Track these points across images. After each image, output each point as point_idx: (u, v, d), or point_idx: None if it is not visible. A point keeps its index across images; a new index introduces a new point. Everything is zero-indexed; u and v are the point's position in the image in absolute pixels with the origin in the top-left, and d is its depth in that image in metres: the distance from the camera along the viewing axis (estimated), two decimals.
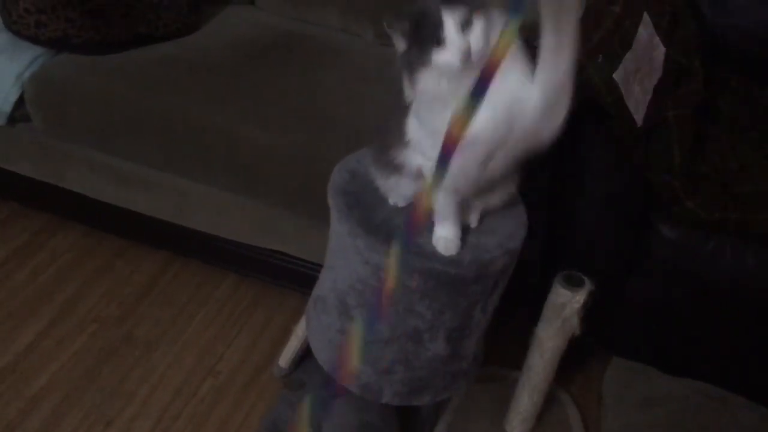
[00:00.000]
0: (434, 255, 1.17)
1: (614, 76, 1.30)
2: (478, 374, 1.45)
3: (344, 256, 1.25)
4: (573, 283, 1.38)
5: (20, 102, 1.73)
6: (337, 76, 1.81)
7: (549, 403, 1.63)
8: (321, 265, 1.47)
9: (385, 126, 1.19)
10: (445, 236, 1.18)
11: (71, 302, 1.81)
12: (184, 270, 1.93)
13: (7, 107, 1.73)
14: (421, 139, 1.10)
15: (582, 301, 1.38)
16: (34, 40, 1.72)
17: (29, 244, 1.95)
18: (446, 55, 0.97)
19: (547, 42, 0.93)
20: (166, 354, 1.72)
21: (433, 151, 0.90)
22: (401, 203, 1.25)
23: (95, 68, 1.73)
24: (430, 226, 1.19)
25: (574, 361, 1.66)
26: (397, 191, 1.23)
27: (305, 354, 1.64)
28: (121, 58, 1.77)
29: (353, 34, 2.01)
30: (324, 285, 1.35)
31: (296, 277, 1.78)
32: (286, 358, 1.64)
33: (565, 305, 1.39)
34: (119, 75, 1.72)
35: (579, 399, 1.72)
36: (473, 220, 1.24)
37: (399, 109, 1.12)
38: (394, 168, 1.18)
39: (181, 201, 1.76)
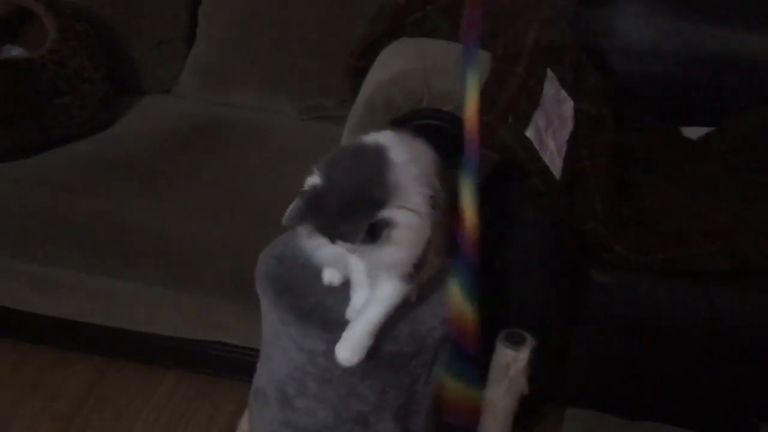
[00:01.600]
0: None
1: (526, 134, 1.32)
2: None
3: (279, 345, 1.22)
4: (515, 341, 1.37)
5: None
6: (261, 158, 1.80)
7: None
8: None
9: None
10: (358, 306, 1.16)
11: (3, 424, 1.71)
12: (121, 373, 1.85)
13: None
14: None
15: (526, 358, 1.38)
16: None
17: None
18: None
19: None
20: None
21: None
22: (336, 282, 1.23)
23: (9, 175, 1.69)
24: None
25: (529, 417, 1.64)
26: (335, 265, 1.21)
27: None
28: (35, 162, 1.73)
29: (274, 112, 2.02)
30: (262, 377, 1.31)
31: (240, 367, 1.71)
32: None
33: (510, 365, 1.38)
34: (34, 180, 1.68)
35: None
36: (412, 295, 1.22)
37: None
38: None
39: (110, 302, 1.70)
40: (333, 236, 1.02)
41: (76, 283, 1.69)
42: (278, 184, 1.69)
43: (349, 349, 1.10)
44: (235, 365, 1.73)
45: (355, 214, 0.99)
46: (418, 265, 1.09)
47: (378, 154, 1.05)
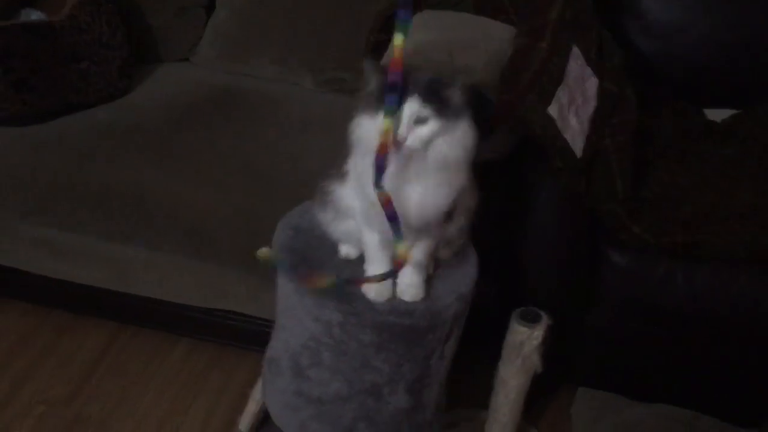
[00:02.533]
0: (387, 308, 1.14)
1: (549, 111, 1.30)
2: (445, 420, 1.42)
3: (294, 315, 1.22)
4: (530, 320, 1.37)
5: None
6: (277, 128, 1.79)
7: None
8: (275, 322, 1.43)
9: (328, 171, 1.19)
10: (410, 283, 1.16)
11: (16, 386, 1.72)
12: (134, 340, 1.86)
13: None
14: (358, 206, 1.12)
15: (540, 337, 1.37)
16: None
17: None
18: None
19: None
20: (121, 430, 1.64)
21: (369, 218, 1.07)
22: (353, 254, 1.23)
23: (26, 140, 1.68)
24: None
25: (541, 395, 1.64)
26: (348, 237, 1.21)
27: (266, 417, 1.59)
28: (52, 127, 1.72)
29: (291, 84, 2.00)
30: (276, 346, 1.31)
31: (251, 336, 1.73)
32: (245, 422, 1.58)
33: (524, 343, 1.37)
34: (51, 145, 1.68)
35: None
36: (430, 268, 1.22)
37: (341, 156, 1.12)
38: (340, 211, 1.16)
39: (125, 269, 1.70)
40: (428, 95, 0.99)
41: (91, 248, 1.69)
42: (294, 155, 1.69)
43: (415, 289, 1.15)
44: (248, 335, 1.73)
45: (447, 83, 1.01)
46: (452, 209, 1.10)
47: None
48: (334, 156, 1.17)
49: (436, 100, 0.99)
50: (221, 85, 1.96)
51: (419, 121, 0.99)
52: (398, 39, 0.96)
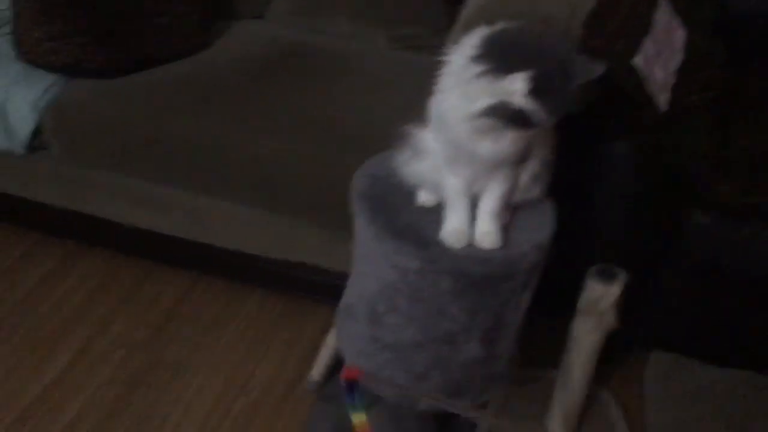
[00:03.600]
0: (464, 255, 1.14)
1: (634, 61, 1.27)
2: (515, 376, 1.41)
3: (371, 262, 1.23)
4: (607, 277, 1.35)
5: (37, 130, 1.73)
6: (350, 85, 1.79)
7: (590, 401, 1.59)
8: (348, 275, 1.45)
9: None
10: (453, 228, 1.16)
11: (98, 330, 1.80)
12: (210, 289, 1.92)
13: (25, 136, 1.73)
14: (440, 149, 1.13)
15: (617, 294, 1.35)
16: (48, 67, 1.73)
17: (53, 273, 1.95)
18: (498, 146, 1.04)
19: None
20: (196, 375, 1.70)
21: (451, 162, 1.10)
22: (430, 202, 1.23)
23: (109, 92, 1.73)
24: None
25: (613, 357, 1.62)
26: (427, 182, 1.21)
27: (338, 364, 1.62)
28: (133, 80, 1.77)
29: (365, 40, 2.00)
30: (352, 293, 1.33)
31: (324, 289, 1.75)
32: (318, 370, 1.62)
33: (600, 300, 1.36)
34: (133, 98, 1.72)
35: (620, 396, 1.67)
36: (506, 217, 1.21)
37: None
38: (419, 154, 1.16)
39: (203, 219, 1.75)
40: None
41: (171, 199, 1.75)
42: (367, 111, 1.69)
43: (492, 237, 1.15)
44: (319, 287, 1.76)
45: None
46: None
47: None
48: (406, 111, 1.17)
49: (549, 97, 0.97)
50: (295, 41, 1.97)
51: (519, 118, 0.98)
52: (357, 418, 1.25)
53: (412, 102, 1.16)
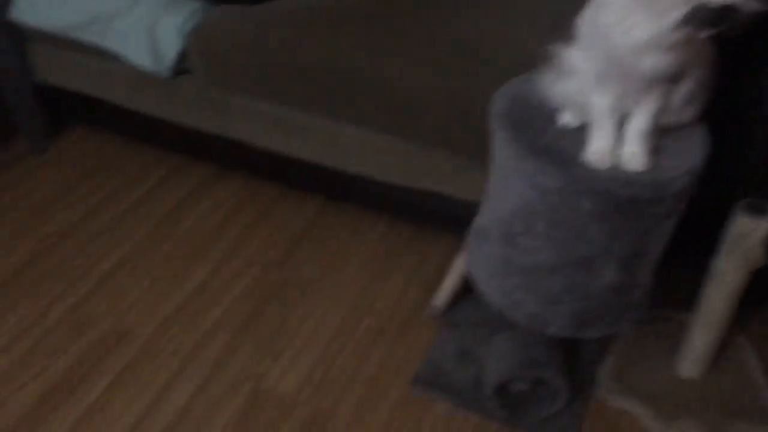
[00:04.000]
0: (609, 176, 1.11)
1: None
2: (646, 314, 1.37)
3: (510, 183, 1.22)
4: (756, 212, 1.27)
5: (182, 54, 1.82)
6: (484, 6, 1.76)
7: (725, 345, 1.53)
8: (477, 205, 1.44)
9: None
10: (598, 148, 1.12)
11: (234, 247, 1.90)
12: (339, 214, 1.97)
13: (171, 60, 1.82)
14: (589, 68, 1.10)
15: (766, 230, 1.27)
16: None
17: (194, 193, 2.06)
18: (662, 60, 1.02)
19: None
20: (324, 295, 1.76)
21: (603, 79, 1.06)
22: (573, 123, 1.20)
23: (249, 17, 1.78)
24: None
25: (753, 301, 1.54)
26: (572, 102, 1.18)
27: (462, 292, 1.63)
28: (274, 6, 1.80)
29: None
30: (487, 215, 1.33)
31: (451, 219, 1.76)
32: (442, 296, 1.64)
33: (748, 235, 1.29)
34: (274, 23, 1.76)
35: (758, 343, 1.60)
36: (655, 140, 1.17)
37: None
38: (565, 73, 1.13)
39: (337, 144, 1.79)
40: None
41: (306, 124, 1.79)
42: (501, 32, 1.65)
43: (639, 158, 1.12)
44: (446, 217, 1.77)
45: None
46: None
47: None
48: (544, 32, 1.14)
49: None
50: None
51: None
52: None
53: (548, 22, 1.13)
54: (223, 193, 2.06)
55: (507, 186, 1.23)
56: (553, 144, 1.17)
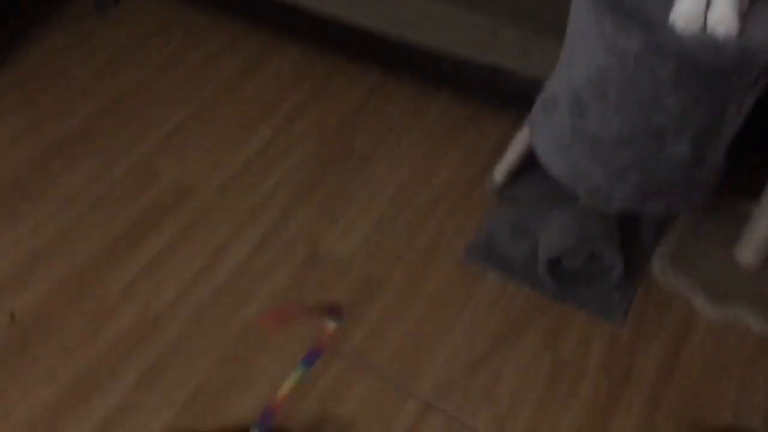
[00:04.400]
0: (694, 41, 1.06)
1: None
2: (712, 196, 1.35)
3: (585, 47, 1.17)
4: None
5: None
6: None
7: None
8: (540, 82, 1.40)
9: None
10: (686, 9, 1.07)
11: (293, 115, 1.90)
12: (399, 87, 1.94)
13: None
14: None
15: None
16: None
17: (254, 62, 2.04)
18: None
19: None
20: (381, 165, 1.77)
21: None
22: None
23: None
24: None
25: None
26: None
27: (520, 169, 1.62)
28: None
29: None
30: (557, 82, 1.29)
31: (513, 96, 1.72)
32: (501, 170, 1.63)
33: None
34: None
35: None
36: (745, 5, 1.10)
37: None
38: None
39: (401, 13, 1.74)
40: None
41: None
42: None
43: (728, 23, 1.06)
44: (508, 94, 1.73)
45: None
46: None
47: None
48: None
49: None
50: None
51: None
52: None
53: None
54: (281, 63, 2.03)
55: (582, 50, 1.18)
56: (638, 4, 1.11)
